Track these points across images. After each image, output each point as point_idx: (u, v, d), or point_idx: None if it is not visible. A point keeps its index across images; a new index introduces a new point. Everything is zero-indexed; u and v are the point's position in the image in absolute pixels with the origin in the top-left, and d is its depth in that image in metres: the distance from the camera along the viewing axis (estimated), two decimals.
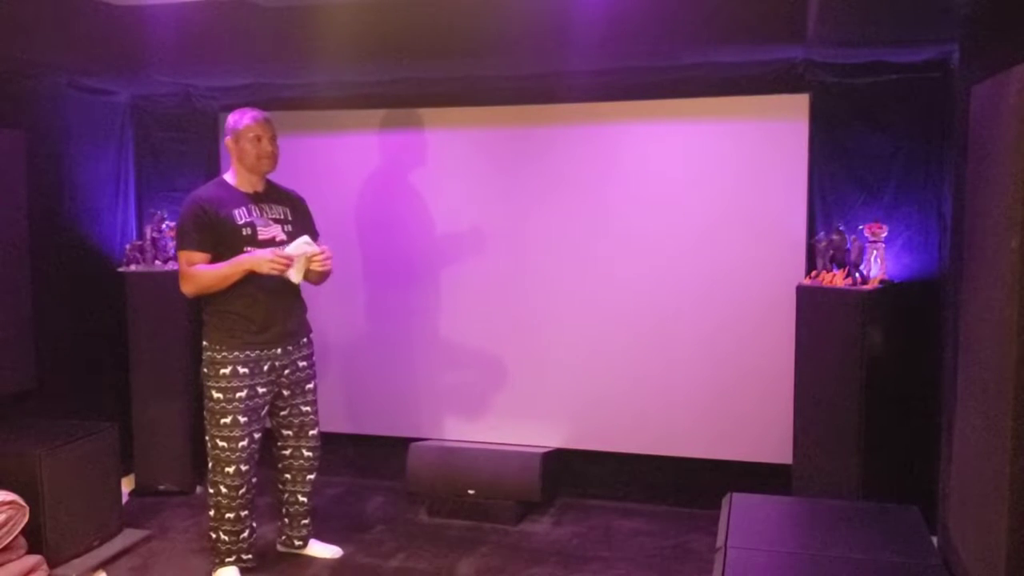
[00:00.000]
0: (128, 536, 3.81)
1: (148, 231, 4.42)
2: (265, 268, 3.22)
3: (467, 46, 3.61)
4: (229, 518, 3.37)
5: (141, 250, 4.39)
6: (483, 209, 4.28)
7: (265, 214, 3.38)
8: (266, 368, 3.35)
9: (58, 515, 3.47)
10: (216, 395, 3.30)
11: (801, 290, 3.59)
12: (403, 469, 4.24)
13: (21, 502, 3.29)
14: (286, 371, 3.42)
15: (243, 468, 3.33)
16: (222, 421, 3.29)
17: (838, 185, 3.79)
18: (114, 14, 3.68)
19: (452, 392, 4.40)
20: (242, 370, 3.29)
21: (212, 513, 3.40)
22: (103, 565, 3.58)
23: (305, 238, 3.34)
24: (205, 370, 3.34)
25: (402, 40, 3.64)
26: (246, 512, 3.41)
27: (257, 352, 3.32)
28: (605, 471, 4.30)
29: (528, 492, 4.07)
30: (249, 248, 3.29)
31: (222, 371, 3.29)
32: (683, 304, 4.02)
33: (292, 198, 3.54)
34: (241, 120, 3.36)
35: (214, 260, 3.28)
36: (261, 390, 3.35)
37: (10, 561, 3.25)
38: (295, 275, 3.30)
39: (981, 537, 2.25)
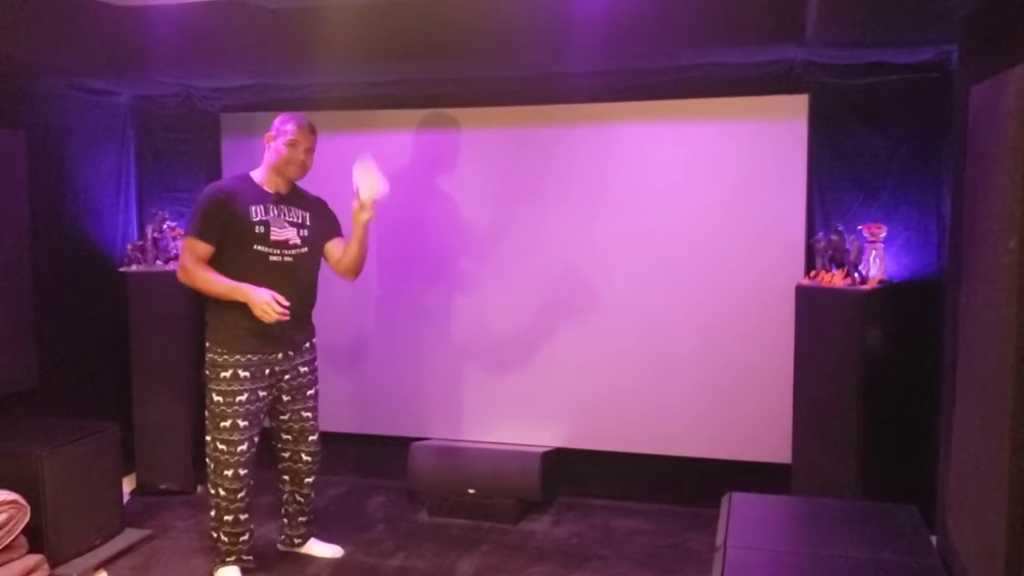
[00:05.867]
0: (129, 535, 3.82)
1: (149, 231, 4.43)
2: (257, 310, 3.19)
3: (468, 47, 3.62)
4: (228, 520, 3.38)
5: (142, 250, 4.40)
6: (483, 209, 4.29)
7: (283, 215, 3.36)
8: (267, 372, 3.35)
9: (59, 514, 3.48)
10: (216, 398, 3.29)
11: (800, 290, 3.59)
12: (404, 468, 4.25)
13: (22, 501, 3.30)
14: (286, 376, 3.42)
15: (241, 472, 3.33)
16: (221, 424, 3.29)
17: (837, 185, 3.80)
18: (115, 15, 3.69)
19: (453, 392, 4.40)
20: (243, 373, 3.28)
21: (212, 513, 3.40)
22: (104, 564, 3.59)
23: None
24: (207, 372, 3.33)
25: (403, 41, 3.64)
26: (245, 515, 3.41)
27: (259, 356, 3.31)
28: (605, 470, 4.31)
29: (528, 491, 4.08)
30: (259, 246, 3.29)
31: (223, 374, 3.28)
32: (682, 303, 4.03)
33: (315, 203, 3.52)
34: (285, 123, 3.36)
35: (221, 253, 3.26)
36: (262, 393, 3.35)
37: (11, 560, 3.26)
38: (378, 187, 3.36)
39: (980, 536, 2.26)
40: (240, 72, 4.10)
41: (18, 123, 3.94)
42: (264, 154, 3.40)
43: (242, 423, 3.29)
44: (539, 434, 4.26)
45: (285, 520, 3.68)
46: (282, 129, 3.36)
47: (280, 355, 3.37)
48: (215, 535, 3.43)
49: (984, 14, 2.59)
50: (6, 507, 3.24)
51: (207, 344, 3.35)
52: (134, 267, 4.36)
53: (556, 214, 4.17)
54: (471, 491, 4.10)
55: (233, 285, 3.22)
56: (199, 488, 4.39)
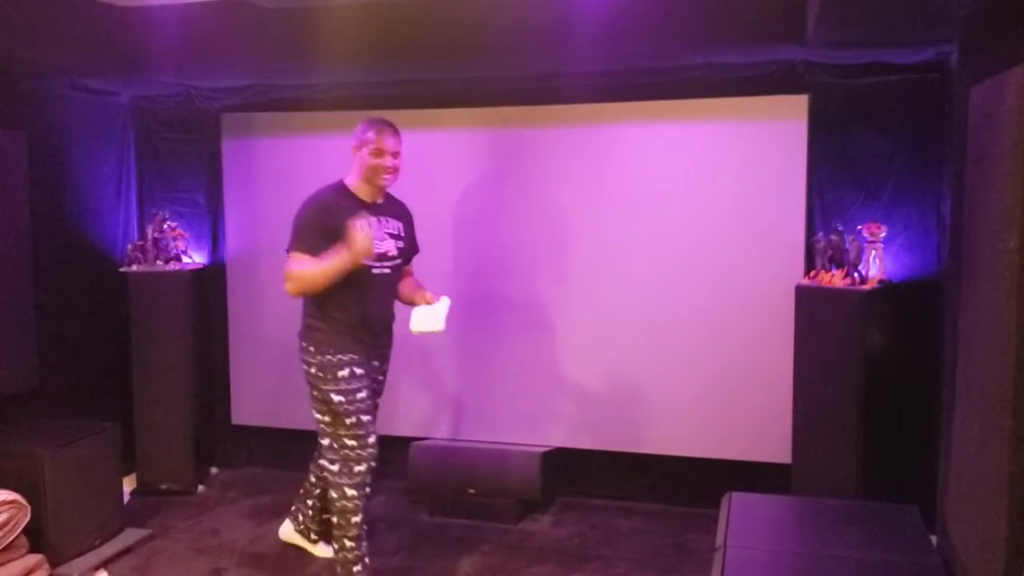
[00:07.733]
0: (129, 535, 3.82)
1: (150, 231, 4.43)
2: (358, 250, 3.07)
3: (468, 47, 3.62)
4: (356, 521, 3.28)
5: (143, 250, 4.40)
6: (482, 210, 4.29)
7: (382, 227, 3.32)
8: (369, 373, 3.35)
9: (60, 514, 3.48)
10: (338, 398, 3.23)
11: (800, 290, 3.59)
12: (404, 468, 4.25)
13: (23, 501, 3.30)
14: (371, 383, 3.43)
15: (373, 465, 3.30)
16: (348, 421, 3.25)
17: (837, 185, 3.81)
18: (116, 15, 3.69)
19: (453, 392, 4.40)
20: (358, 371, 3.27)
21: (337, 520, 3.28)
22: (104, 564, 3.60)
23: (427, 313, 3.39)
24: (321, 374, 3.25)
25: (403, 41, 3.65)
26: (363, 515, 3.31)
27: (362, 357, 3.30)
28: (605, 470, 4.31)
29: (528, 491, 4.08)
30: (363, 261, 3.19)
31: (340, 373, 3.24)
32: (683, 303, 4.03)
33: (405, 213, 3.50)
34: (366, 131, 3.27)
35: None
36: (369, 392, 3.35)
37: (12, 560, 3.26)
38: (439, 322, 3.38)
39: (980, 536, 2.26)
40: (240, 72, 4.11)
41: (19, 123, 3.95)
42: (352, 164, 3.32)
43: (364, 418, 3.28)
44: (539, 434, 4.26)
45: (310, 513, 3.67)
46: (364, 138, 3.26)
47: (376, 362, 3.42)
48: (339, 545, 3.29)
49: (984, 14, 2.59)
50: (7, 507, 3.24)
51: (310, 348, 3.27)
52: (134, 267, 4.37)
53: (555, 214, 4.17)
54: (471, 491, 4.10)
55: (335, 258, 3.09)
56: (199, 488, 4.40)
